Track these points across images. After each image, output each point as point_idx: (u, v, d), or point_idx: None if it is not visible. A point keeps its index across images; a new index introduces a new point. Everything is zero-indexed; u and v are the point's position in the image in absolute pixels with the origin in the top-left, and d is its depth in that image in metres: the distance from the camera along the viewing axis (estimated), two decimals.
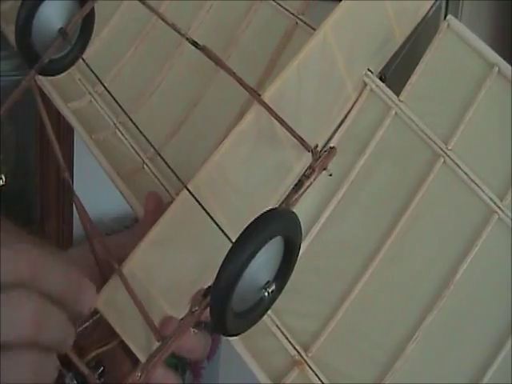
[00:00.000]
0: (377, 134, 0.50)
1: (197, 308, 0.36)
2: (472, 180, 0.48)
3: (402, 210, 0.48)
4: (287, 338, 0.45)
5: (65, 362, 0.44)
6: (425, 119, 0.50)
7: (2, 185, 1.17)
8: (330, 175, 0.41)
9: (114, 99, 0.47)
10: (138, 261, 0.41)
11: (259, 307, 0.34)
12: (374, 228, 0.48)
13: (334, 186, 0.50)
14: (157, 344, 0.42)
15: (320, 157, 0.41)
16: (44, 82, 0.56)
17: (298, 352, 0.45)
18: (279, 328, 0.45)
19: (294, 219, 0.34)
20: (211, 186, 0.43)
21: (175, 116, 0.54)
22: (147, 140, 0.44)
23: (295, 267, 0.48)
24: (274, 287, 0.34)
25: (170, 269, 0.42)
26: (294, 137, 0.43)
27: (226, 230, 0.43)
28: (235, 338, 0.44)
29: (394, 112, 0.50)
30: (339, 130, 0.50)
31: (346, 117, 0.50)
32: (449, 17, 0.51)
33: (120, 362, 0.44)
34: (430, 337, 0.45)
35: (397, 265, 0.47)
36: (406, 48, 0.53)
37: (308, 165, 0.42)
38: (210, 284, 0.40)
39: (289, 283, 0.48)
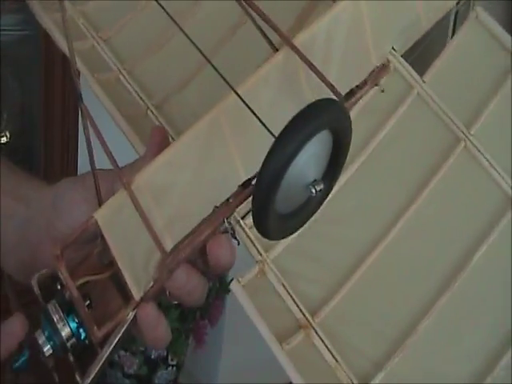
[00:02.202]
0: (397, 111, 0.49)
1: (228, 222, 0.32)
2: (493, 167, 0.47)
3: (419, 188, 0.46)
4: (294, 300, 0.41)
5: (47, 290, 0.39)
6: (446, 103, 0.49)
7: (7, 142, 1.13)
8: (383, 91, 0.38)
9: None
10: (147, 180, 0.36)
11: (305, 208, 0.31)
12: (390, 201, 0.46)
13: (352, 155, 0.47)
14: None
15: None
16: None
17: (304, 315, 0.41)
18: (286, 289, 0.41)
19: (345, 113, 0.30)
20: (231, 119, 0.40)
21: (188, 68, 0.51)
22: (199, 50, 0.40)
23: (307, 231, 0.45)
24: (322, 186, 0.31)
25: (180, 198, 0.38)
26: (325, 83, 0.41)
27: (239, 166, 0.40)
28: (242, 292, 0.39)
29: (416, 92, 0.49)
30: (359, 102, 0.48)
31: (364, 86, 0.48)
32: (477, 8, 0.51)
33: (109, 298, 0.39)
34: (444, 317, 0.42)
35: (412, 241, 0.45)
36: (429, 37, 0.52)
37: None
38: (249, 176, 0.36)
39: (299, 246, 0.45)
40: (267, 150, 0.42)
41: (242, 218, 0.43)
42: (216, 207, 0.34)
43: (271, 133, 0.32)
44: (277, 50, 0.42)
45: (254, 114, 0.35)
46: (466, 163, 0.47)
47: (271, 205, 0.28)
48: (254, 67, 0.49)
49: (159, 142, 0.42)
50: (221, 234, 0.38)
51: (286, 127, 0.29)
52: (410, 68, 0.49)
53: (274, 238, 0.31)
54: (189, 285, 0.38)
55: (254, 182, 0.38)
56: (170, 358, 1.42)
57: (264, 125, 0.33)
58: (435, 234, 0.45)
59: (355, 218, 0.46)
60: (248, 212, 0.44)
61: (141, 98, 0.49)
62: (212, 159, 0.39)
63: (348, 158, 0.47)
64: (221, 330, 1.50)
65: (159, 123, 0.48)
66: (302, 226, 0.32)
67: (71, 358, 0.38)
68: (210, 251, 0.37)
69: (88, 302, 0.38)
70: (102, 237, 0.38)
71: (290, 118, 0.44)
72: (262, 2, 0.52)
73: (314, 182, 0.31)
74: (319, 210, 0.44)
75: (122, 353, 1.38)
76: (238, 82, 0.48)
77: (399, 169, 0.47)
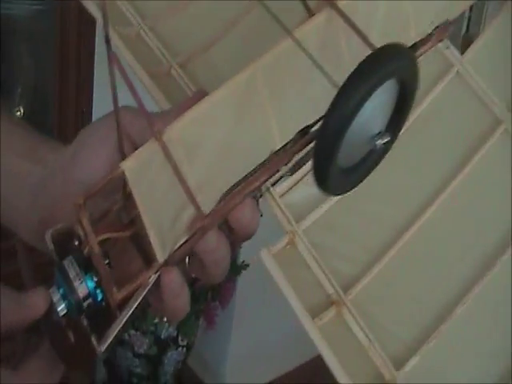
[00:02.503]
0: (436, 87, 0.46)
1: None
2: None
3: (456, 168, 0.44)
4: (325, 274, 0.38)
5: (61, 248, 0.36)
6: (486, 83, 0.47)
7: (21, 117, 1.10)
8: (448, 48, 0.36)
9: None
10: (179, 133, 0.33)
11: (366, 162, 0.28)
12: (427, 180, 0.44)
13: None
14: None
15: None
16: None
17: (337, 291, 0.38)
18: (317, 262, 0.39)
19: (414, 61, 0.28)
20: (269, 78, 0.37)
21: (213, 29, 0.48)
22: None
23: (338, 206, 0.42)
24: (386, 138, 0.28)
25: (211, 156, 0.35)
26: (368, 45, 0.39)
27: (274, 128, 0.37)
28: (272, 262, 0.36)
29: (456, 70, 0.47)
30: None
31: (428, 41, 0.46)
32: None
33: (129, 259, 0.36)
34: (481, 304, 0.40)
35: (448, 222, 0.42)
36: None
37: None
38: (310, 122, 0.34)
39: (330, 221, 0.42)
40: (302, 114, 0.40)
41: (272, 185, 0.40)
42: (273, 153, 0.31)
43: (331, 80, 0.30)
44: (313, 15, 0.40)
45: (312, 58, 0.32)
46: (505, 146, 0.45)
47: (334, 156, 0.26)
48: (279, 34, 0.47)
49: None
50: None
51: (355, 72, 0.26)
52: (451, 46, 0.47)
53: (333, 193, 0.28)
54: (217, 252, 0.35)
55: (313, 129, 0.35)
56: (180, 338, 1.40)
57: (324, 72, 0.31)
58: (473, 216, 0.43)
59: (390, 195, 0.43)
60: (278, 180, 0.41)
61: (164, 55, 0.46)
62: (246, 118, 0.36)
63: None
64: (231, 312, 1.49)
65: (183, 82, 0.45)
66: (362, 181, 0.29)
67: (84, 322, 0.35)
68: (233, 212, 0.35)
69: (107, 261, 0.35)
70: (124, 192, 0.35)
71: (327, 80, 0.42)
72: None
73: (379, 135, 0.28)
74: None
75: (132, 332, 1.36)
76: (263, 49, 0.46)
77: (436, 147, 0.45)
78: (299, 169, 0.41)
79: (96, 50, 1.05)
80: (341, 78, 0.42)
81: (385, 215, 0.42)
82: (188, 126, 0.33)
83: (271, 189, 0.40)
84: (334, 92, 0.31)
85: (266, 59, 0.37)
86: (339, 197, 0.42)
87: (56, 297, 0.34)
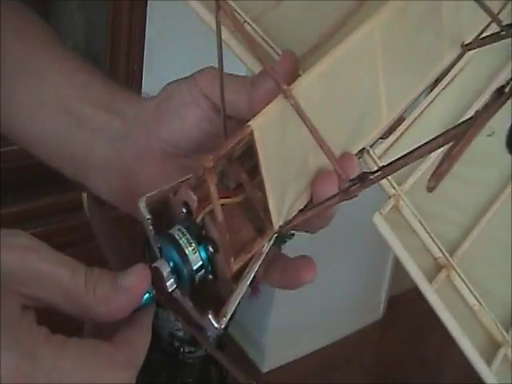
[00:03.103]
0: None
1: None
2: None
3: None
4: (432, 238, 0.37)
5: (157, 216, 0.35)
6: None
7: None
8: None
9: None
10: (305, 90, 0.32)
11: None
12: None
13: (479, 91, 0.43)
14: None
15: None
16: None
17: (444, 254, 0.37)
18: (423, 226, 0.38)
19: None
20: (385, 36, 0.36)
21: None
22: None
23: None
24: None
25: (332, 114, 0.34)
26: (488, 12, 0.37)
27: (382, 89, 0.36)
28: (385, 225, 0.35)
29: None
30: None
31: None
32: None
33: (238, 226, 0.35)
34: None
35: None
36: None
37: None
38: None
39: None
40: (410, 79, 0.39)
41: (371, 146, 0.39)
42: (476, 111, 0.29)
43: None
44: None
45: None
46: None
47: None
48: None
49: (288, 69, 0.36)
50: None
51: None
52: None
53: None
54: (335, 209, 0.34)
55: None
56: None
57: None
58: None
59: (487, 158, 0.42)
60: (377, 141, 0.40)
61: (236, 11, 0.45)
62: (360, 75, 0.35)
63: (473, 95, 0.44)
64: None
65: (257, 35, 0.43)
66: None
67: (187, 301, 0.34)
68: (316, 183, 0.34)
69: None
70: (230, 155, 0.34)
71: (429, 48, 0.41)
72: None
73: None
74: None
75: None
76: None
77: None
78: (395, 130, 0.40)
79: (148, 9, 1.05)
80: (440, 41, 0.41)
81: (481, 177, 0.41)
82: (314, 82, 0.32)
83: (370, 151, 0.39)
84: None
85: (383, 15, 0.35)
86: (435, 159, 0.41)
87: (166, 270, 0.33)
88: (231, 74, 0.37)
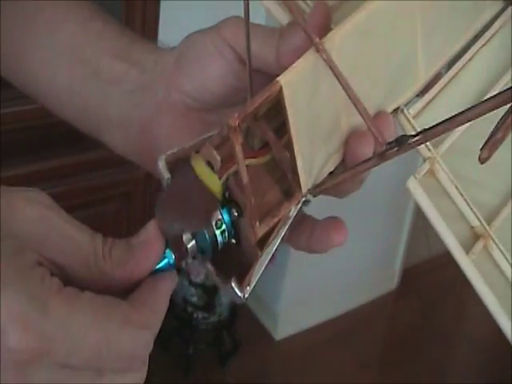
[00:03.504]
0: None
1: None
2: None
3: None
4: (469, 205, 0.35)
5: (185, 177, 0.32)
6: None
7: None
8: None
9: None
10: (339, 43, 0.29)
11: None
12: None
13: None
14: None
15: None
16: None
17: (482, 223, 0.35)
18: (460, 191, 0.35)
19: None
20: None
21: None
22: None
23: (472, 130, 0.38)
24: None
25: (366, 70, 0.31)
26: None
27: (419, 48, 0.34)
28: (421, 191, 0.33)
29: None
30: None
31: None
32: None
33: (264, 188, 0.32)
34: None
35: None
36: None
37: None
38: None
39: (467, 146, 0.38)
40: (448, 35, 0.36)
41: (406, 105, 0.36)
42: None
43: None
44: None
45: None
46: None
47: None
48: None
49: (320, 22, 0.32)
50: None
51: None
52: None
53: None
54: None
55: None
56: None
57: None
58: None
59: None
60: (411, 100, 0.38)
61: None
62: (397, 31, 0.33)
63: None
64: (288, 248, 1.49)
65: None
66: None
67: (209, 266, 0.32)
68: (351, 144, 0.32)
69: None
70: (255, 113, 0.31)
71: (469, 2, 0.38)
72: None
73: None
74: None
75: (189, 260, 1.36)
76: None
77: None
78: (430, 89, 0.38)
79: None
80: None
81: None
82: (347, 36, 0.29)
83: (405, 110, 0.36)
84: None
85: None
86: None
87: (186, 235, 0.30)
88: (258, 25, 0.35)
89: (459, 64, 0.38)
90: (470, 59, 0.39)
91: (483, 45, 0.39)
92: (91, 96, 0.39)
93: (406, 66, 0.34)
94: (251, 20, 0.34)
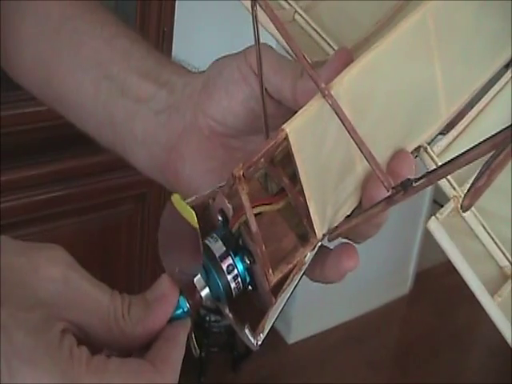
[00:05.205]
0: None
1: None
2: None
3: None
4: (496, 244, 0.35)
5: (206, 224, 0.32)
6: None
7: None
8: None
9: None
10: (347, 86, 0.29)
11: None
12: None
13: None
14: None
15: None
16: None
17: (511, 262, 0.34)
18: (487, 230, 0.35)
19: None
20: (439, 22, 0.33)
21: None
22: None
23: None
24: None
25: (379, 110, 0.31)
26: None
27: (438, 77, 0.33)
28: (443, 232, 0.33)
29: None
30: None
31: None
32: None
33: (280, 234, 0.32)
34: None
35: None
36: None
37: None
38: None
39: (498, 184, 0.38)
40: (472, 68, 0.36)
41: (429, 144, 0.36)
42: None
43: None
44: None
45: None
46: None
47: None
48: None
49: (341, 67, 0.32)
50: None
51: None
52: None
53: None
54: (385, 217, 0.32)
55: None
56: None
57: None
58: None
59: None
60: (434, 138, 0.37)
61: (286, 1, 0.42)
62: (413, 66, 0.32)
63: None
64: None
65: (309, 27, 0.40)
66: None
67: (226, 310, 0.32)
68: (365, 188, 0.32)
69: None
70: (272, 158, 0.31)
71: (496, 31, 0.37)
72: None
73: None
74: None
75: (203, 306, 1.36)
76: None
77: None
78: (454, 126, 0.37)
79: None
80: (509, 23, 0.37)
81: None
82: (357, 77, 0.29)
83: (428, 148, 0.36)
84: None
85: (435, 1, 0.32)
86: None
87: (200, 282, 0.30)
88: (285, 58, 0.35)
89: (486, 98, 0.38)
90: (497, 93, 0.38)
91: (510, 78, 0.39)
92: (116, 111, 0.40)
93: (426, 102, 0.33)
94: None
